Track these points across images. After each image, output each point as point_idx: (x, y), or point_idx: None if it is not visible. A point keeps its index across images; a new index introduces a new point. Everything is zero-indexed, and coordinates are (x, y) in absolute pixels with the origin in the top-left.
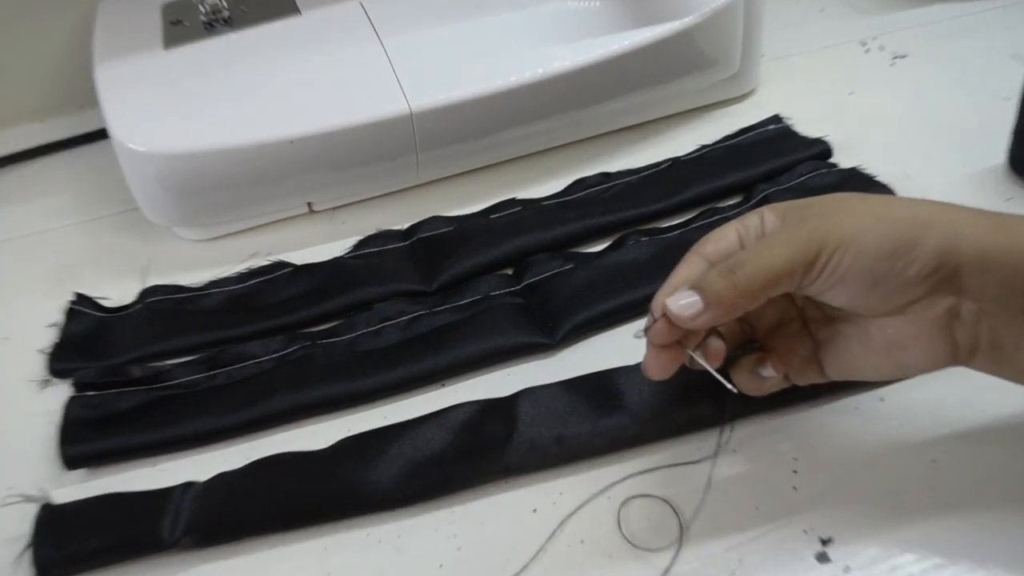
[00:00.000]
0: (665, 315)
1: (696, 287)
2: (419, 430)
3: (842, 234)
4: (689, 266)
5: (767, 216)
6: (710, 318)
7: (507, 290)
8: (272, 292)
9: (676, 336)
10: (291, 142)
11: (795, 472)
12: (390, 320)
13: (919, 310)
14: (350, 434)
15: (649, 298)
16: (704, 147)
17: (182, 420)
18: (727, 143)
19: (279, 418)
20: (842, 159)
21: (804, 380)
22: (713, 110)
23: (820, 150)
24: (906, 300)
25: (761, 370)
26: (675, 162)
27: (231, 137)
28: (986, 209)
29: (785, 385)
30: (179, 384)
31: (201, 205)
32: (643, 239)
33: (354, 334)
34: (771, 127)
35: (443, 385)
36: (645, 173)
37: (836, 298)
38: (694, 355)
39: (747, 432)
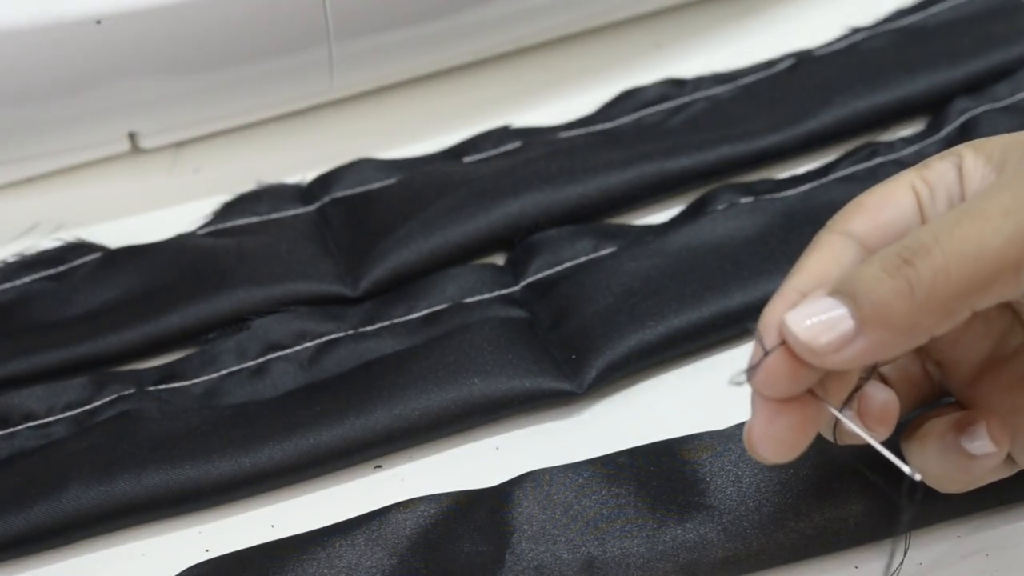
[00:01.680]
0: (785, 342)
1: (842, 292)
2: (335, 550)
3: None
4: (827, 253)
5: (969, 161)
6: (868, 348)
7: (495, 294)
8: (65, 298)
9: (806, 382)
10: (97, 22)
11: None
12: (281, 349)
13: None
14: (209, 556)
15: (755, 311)
16: (856, 31)
17: None
18: (899, 24)
19: (78, 527)
20: None
21: None
22: None
23: None
24: None
25: (967, 442)
26: (802, 59)
27: None
28: None
29: (1007, 473)
30: None
31: None
32: (743, 201)
33: (215, 375)
34: None
35: (379, 467)
36: (746, 81)
37: None
38: (841, 416)
39: (936, 554)
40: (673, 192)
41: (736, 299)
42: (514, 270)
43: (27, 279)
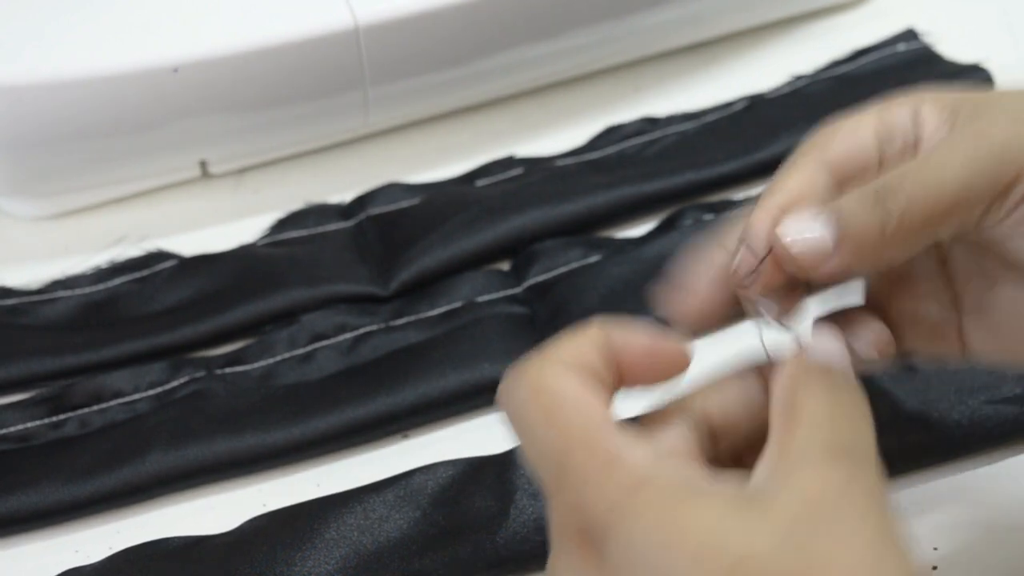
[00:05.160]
0: (773, 249)
1: (827, 218)
2: (370, 504)
3: None
4: (803, 175)
5: (926, 112)
6: (841, 265)
7: (502, 294)
8: (147, 297)
9: (778, 281)
10: (175, 70)
11: (934, 568)
12: (325, 339)
13: None
14: (266, 509)
15: None
16: (800, 78)
17: (11, 489)
18: (834, 72)
19: (158, 485)
20: None
21: (932, 351)
22: (813, 22)
23: (975, 82)
24: None
25: (855, 341)
26: (755, 101)
27: (83, 63)
28: None
29: (893, 362)
30: (6, 436)
31: (39, 165)
32: (705, 218)
33: (271, 360)
34: (901, 47)
35: (405, 436)
36: (710, 119)
37: None
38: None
39: None
40: (648, 210)
41: None
42: (517, 274)
43: (117, 281)
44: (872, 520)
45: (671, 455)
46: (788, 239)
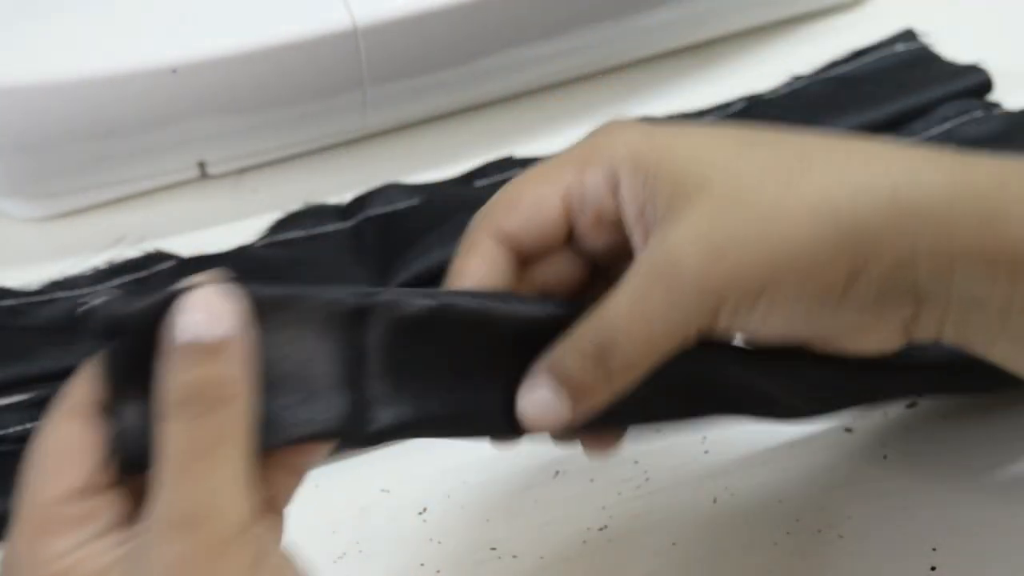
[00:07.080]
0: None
1: (554, 375)
2: None
3: (749, 282)
4: (481, 259)
5: (625, 189)
6: (580, 417)
7: None
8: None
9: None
10: (173, 71)
11: (933, 569)
12: None
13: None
14: None
15: None
16: (799, 79)
17: (11, 490)
18: (833, 73)
19: None
20: (1008, 96)
21: None
22: (811, 23)
23: (974, 82)
24: (848, 329)
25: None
26: (754, 102)
27: (82, 64)
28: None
29: None
30: (5, 437)
31: (38, 166)
32: None
33: None
34: (900, 47)
35: None
36: (708, 119)
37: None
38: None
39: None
40: None
41: None
42: None
43: (115, 282)
44: None
45: (98, 534)
46: (521, 408)
